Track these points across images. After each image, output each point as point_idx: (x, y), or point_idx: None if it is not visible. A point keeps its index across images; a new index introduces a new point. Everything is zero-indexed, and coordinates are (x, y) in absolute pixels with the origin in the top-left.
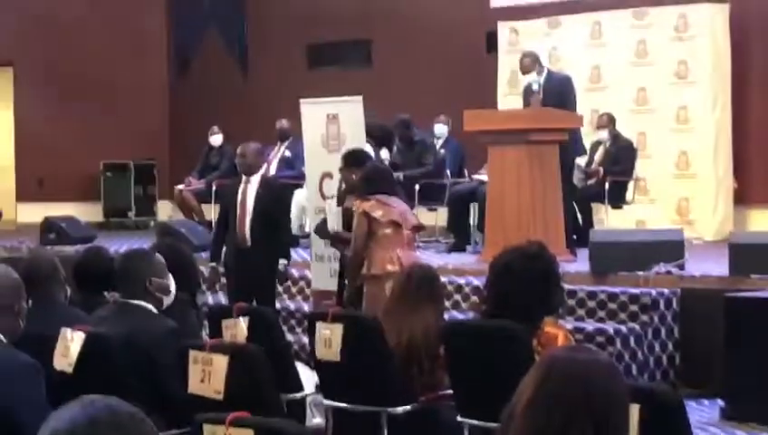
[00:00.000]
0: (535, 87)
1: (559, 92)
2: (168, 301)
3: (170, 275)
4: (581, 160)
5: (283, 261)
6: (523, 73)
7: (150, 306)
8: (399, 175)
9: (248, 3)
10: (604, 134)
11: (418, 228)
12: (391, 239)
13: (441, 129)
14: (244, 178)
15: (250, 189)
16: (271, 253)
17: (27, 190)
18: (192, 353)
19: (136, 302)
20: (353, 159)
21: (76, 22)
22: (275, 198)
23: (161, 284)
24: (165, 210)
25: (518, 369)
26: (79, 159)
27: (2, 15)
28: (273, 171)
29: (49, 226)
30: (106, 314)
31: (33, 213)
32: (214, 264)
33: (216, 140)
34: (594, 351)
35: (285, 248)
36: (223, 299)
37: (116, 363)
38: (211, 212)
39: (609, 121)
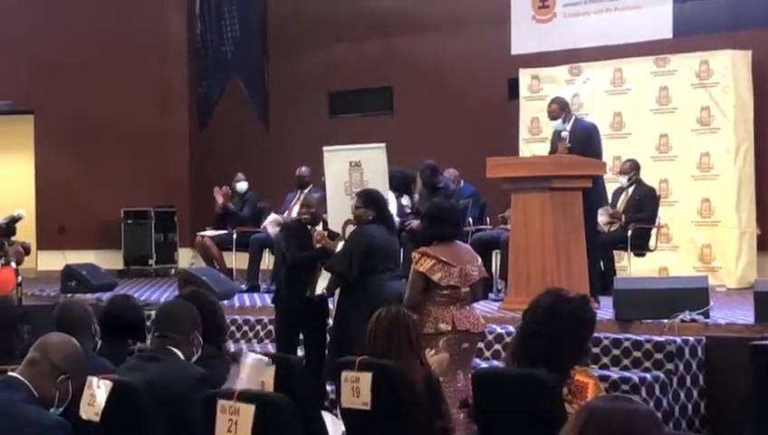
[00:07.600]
0: (564, 134)
1: (584, 140)
2: (195, 356)
3: None
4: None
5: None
6: (551, 119)
7: (182, 356)
8: None
9: (270, 52)
10: (624, 180)
11: (479, 284)
12: (448, 299)
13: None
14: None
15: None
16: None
17: (48, 238)
18: (220, 403)
19: (170, 348)
20: (370, 199)
21: (97, 70)
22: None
23: (199, 339)
24: (186, 258)
25: (548, 417)
26: (100, 206)
27: (23, 64)
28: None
29: (70, 274)
30: (136, 363)
31: (54, 261)
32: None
33: (242, 186)
34: (634, 400)
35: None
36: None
37: (143, 412)
38: (232, 260)
39: (632, 167)
